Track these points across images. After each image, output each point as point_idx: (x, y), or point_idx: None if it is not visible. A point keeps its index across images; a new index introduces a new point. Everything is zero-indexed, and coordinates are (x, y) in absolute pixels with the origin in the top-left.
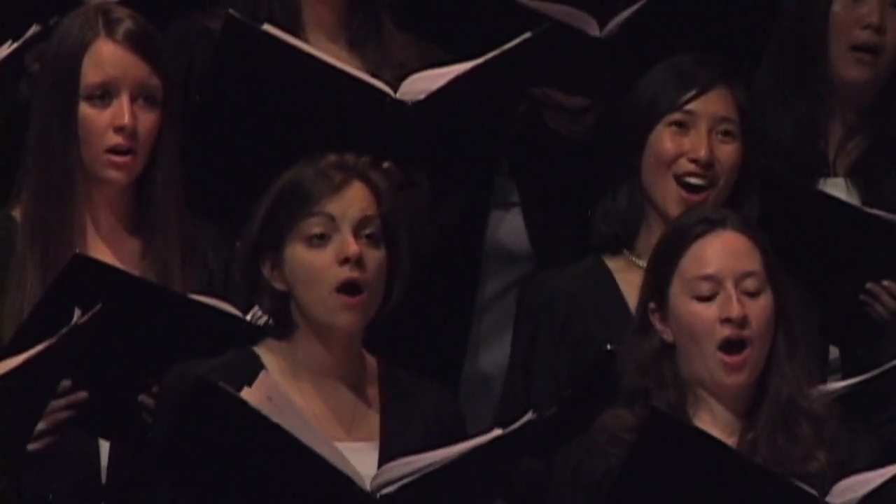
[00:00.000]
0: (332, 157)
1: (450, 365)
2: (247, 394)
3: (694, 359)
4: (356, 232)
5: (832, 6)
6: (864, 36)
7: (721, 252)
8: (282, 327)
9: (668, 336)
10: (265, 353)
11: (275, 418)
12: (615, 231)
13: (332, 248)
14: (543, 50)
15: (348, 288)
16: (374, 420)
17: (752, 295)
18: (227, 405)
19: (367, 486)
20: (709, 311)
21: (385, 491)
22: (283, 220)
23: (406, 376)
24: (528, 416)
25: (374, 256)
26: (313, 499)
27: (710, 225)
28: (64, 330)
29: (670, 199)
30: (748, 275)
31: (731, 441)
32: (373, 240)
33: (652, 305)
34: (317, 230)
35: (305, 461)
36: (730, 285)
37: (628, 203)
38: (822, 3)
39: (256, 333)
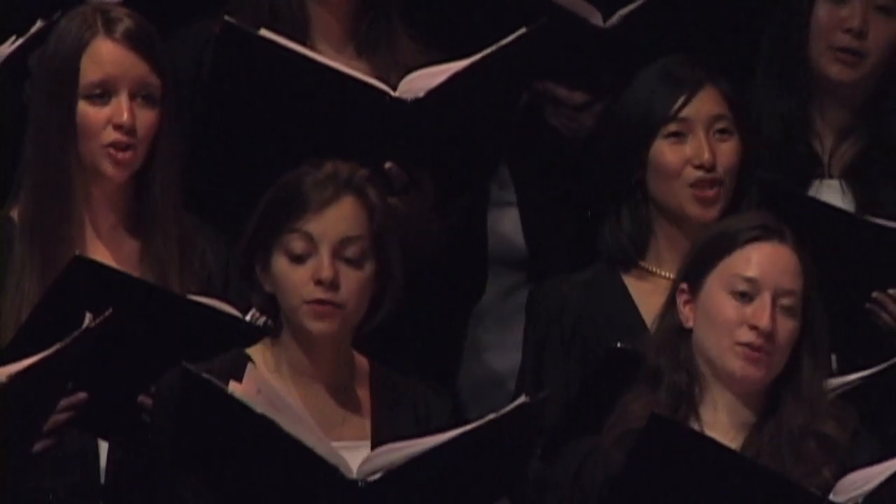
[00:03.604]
0: (330, 167)
1: (447, 369)
2: (235, 386)
3: (711, 345)
4: (336, 253)
5: (815, 9)
6: (845, 40)
7: (770, 261)
8: (275, 327)
9: (687, 322)
10: (256, 353)
11: (259, 409)
12: (623, 249)
13: (309, 266)
14: (546, 39)
15: (320, 303)
16: (365, 420)
17: (786, 314)
18: (211, 396)
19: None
20: (738, 312)
21: (371, 478)
22: (272, 227)
23: (397, 377)
24: (521, 399)
25: (353, 277)
26: (297, 487)
27: (768, 233)
28: (75, 333)
29: (685, 201)
30: (788, 293)
31: (734, 441)
32: (354, 260)
33: (683, 286)
34: (297, 247)
35: (288, 450)
36: (767, 295)
37: (632, 222)
38: (806, 4)
39: (255, 333)
